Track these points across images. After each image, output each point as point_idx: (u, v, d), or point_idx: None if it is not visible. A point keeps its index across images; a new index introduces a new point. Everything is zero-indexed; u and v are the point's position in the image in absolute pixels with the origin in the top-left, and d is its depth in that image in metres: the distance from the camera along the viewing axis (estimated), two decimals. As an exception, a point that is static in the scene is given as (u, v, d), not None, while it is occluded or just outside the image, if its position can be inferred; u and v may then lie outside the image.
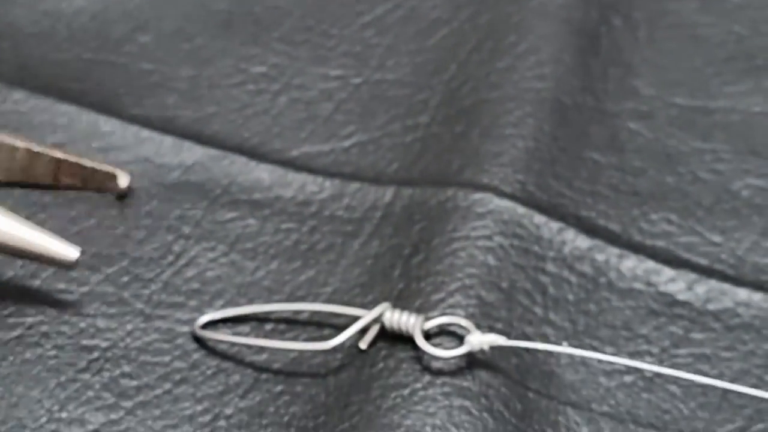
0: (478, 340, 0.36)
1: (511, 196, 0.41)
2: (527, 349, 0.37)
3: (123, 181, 0.42)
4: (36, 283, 0.39)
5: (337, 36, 0.48)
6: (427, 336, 0.37)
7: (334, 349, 0.37)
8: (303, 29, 0.48)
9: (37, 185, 0.43)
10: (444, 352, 0.36)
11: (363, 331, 0.38)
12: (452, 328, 0.37)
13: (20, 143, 0.43)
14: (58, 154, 0.43)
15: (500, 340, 0.35)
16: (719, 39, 0.47)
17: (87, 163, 0.43)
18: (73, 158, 0.43)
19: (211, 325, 0.38)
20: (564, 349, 0.37)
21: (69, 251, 0.39)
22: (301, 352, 0.37)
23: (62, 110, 0.44)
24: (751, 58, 0.46)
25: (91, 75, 0.46)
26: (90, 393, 0.36)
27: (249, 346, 0.37)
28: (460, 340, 0.37)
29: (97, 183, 0.43)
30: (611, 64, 0.46)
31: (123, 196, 0.42)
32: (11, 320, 0.38)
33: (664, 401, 0.36)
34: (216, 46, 0.47)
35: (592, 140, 0.44)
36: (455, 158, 0.44)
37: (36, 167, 0.44)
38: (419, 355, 0.37)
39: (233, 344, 0.37)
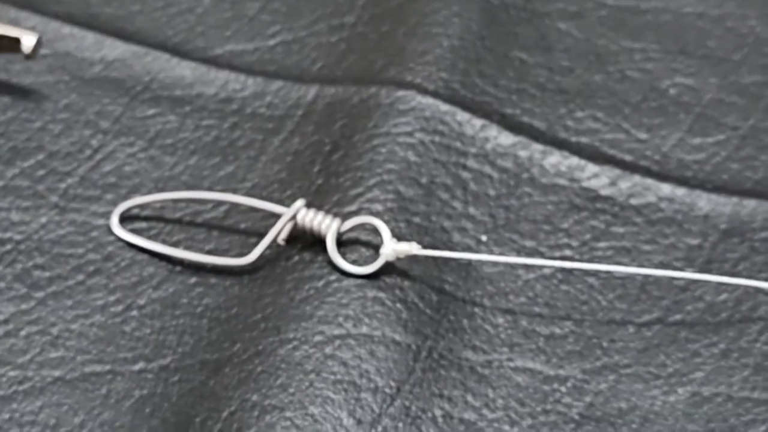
0: (392, 249, 0.36)
1: (434, 94, 0.41)
2: (444, 242, 0.37)
3: (28, 41, 0.42)
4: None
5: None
6: (342, 241, 0.37)
7: (251, 244, 0.37)
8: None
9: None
10: (355, 268, 0.36)
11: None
12: (364, 230, 0.38)
13: None
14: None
15: (414, 249, 0.35)
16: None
17: None
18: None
19: (129, 219, 0.38)
20: (479, 257, 0.37)
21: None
22: (217, 246, 0.37)
23: (-18, 6, 0.43)
24: (684, -40, 0.46)
25: (14, -27, 0.45)
26: (1, 284, 0.36)
27: (164, 240, 0.37)
28: (371, 247, 0.37)
29: (5, 47, 0.43)
30: (542, -34, 0.46)
31: (31, 56, 0.42)
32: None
33: (582, 293, 0.36)
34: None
35: (520, 40, 0.44)
36: (380, 57, 0.44)
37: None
38: (326, 262, 0.37)
39: (149, 238, 0.38)
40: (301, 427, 0.33)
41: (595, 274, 0.36)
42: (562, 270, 0.37)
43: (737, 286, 0.35)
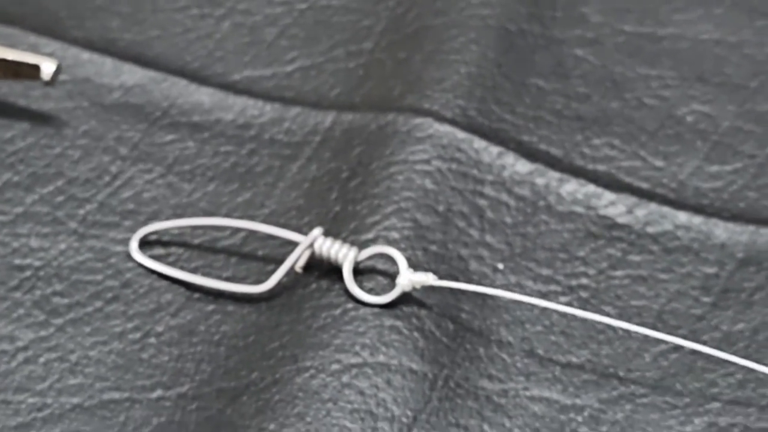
0: (408, 280, 0.36)
1: (451, 121, 0.41)
2: (461, 270, 0.37)
3: (48, 68, 0.42)
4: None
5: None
6: (359, 270, 0.38)
7: (268, 272, 0.38)
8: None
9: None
10: (371, 298, 0.37)
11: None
12: (379, 259, 0.38)
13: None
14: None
15: (431, 280, 0.36)
16: (670, -34, 0.48)
17: (10, 56, 0.43)
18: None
19: (147, 245, 0.38)
20: (494, 291, 0.37)
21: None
22: (235, 273, 0.38)
23: (3, 32, 0.44)
24: (701, -14, 0.47)
25: (33, -1, 0.48)
26: (20, 311, 0.37)
27: (182, 266, 0.38)
28: (388, 276, 0.38)
29: (25, 74, 0.43)
30: (560, -8, 0.47)
31: (50, 83, 0.42)
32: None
33: (598, 322, 0.36)
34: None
35: (537, 67, 0.45)
36: (397, 84, 0.44)
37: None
38: (342, 290, 0.38)
39: (168, 264, 0.38)
40: (318, 457, 0.33)
41: (610, 302, 0.37)
42: (579, 299, 0.38)
43: (754, 316, 0.36)
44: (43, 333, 0.36)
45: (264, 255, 0.38)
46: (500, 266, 0.37)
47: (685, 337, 0.36)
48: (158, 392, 0.35)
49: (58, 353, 0.36)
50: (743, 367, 0.36)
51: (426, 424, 0.34)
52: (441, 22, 0.46)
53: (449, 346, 0.35)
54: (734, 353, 0.35)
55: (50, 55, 0.43)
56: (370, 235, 0.38)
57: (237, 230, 0.39)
